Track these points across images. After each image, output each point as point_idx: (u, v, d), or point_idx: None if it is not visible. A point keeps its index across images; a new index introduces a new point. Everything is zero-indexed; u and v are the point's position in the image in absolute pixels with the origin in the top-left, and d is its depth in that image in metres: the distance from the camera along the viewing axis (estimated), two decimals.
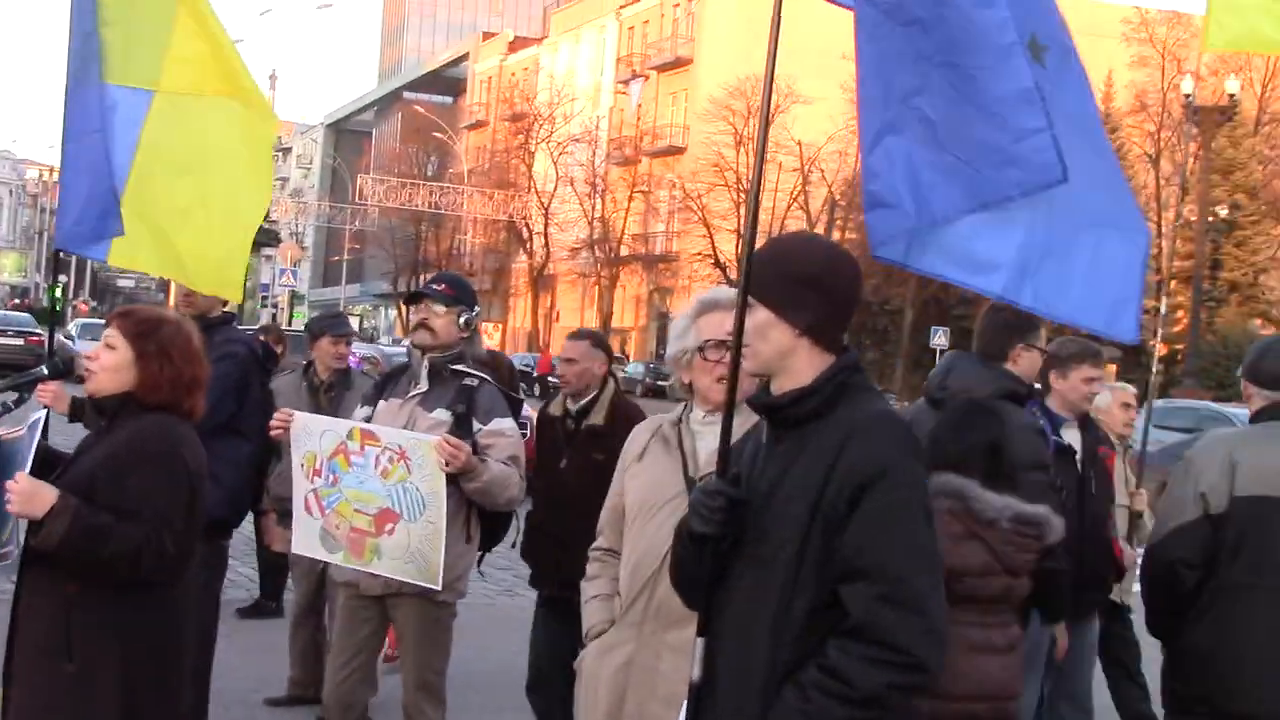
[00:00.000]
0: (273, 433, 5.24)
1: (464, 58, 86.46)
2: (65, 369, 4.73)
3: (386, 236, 72.78)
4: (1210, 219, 42.84)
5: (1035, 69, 3.29)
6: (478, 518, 5.27)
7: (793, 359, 3.02)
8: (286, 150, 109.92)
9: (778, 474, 2.96)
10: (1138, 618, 5.57)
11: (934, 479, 3.82)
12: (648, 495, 3.83)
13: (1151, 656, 5.96)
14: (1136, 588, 5.52)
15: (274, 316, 58.04)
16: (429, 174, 72.72)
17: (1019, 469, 4.67)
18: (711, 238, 54.51)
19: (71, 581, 3.70)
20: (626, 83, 66.17)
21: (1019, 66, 3.27)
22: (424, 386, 5.28)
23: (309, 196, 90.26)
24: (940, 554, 2.93)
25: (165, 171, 5.20)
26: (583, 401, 6.13)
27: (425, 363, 5.29)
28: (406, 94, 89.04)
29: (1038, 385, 5.78)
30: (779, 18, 3.27)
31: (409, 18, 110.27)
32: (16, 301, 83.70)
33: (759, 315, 3.03)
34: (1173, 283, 42.91)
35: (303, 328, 12.79)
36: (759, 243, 3.14)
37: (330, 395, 7.49)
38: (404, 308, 5.42)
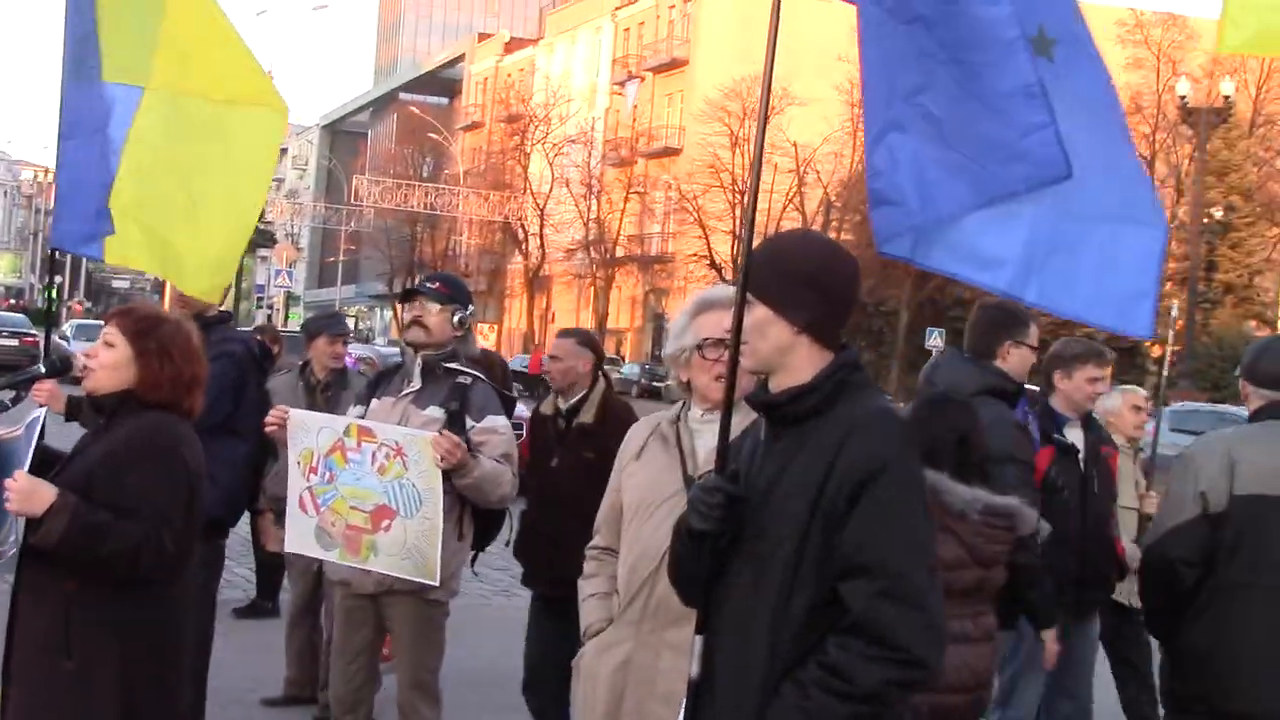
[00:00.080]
0: (268, 429, 5.24)
1: (460, 59, 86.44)
2: (62, 368, 4.72)
3: (382, 238, 72.72)
4: (1205, 221, 42.91)
5: (1040, 63, 3.28)
6: (470, 516, 5.27)
7: (791, 356, 3.02)
8: (282, 151, 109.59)
9: (776, 471, 2.96)
10: None
11: None
12: (646, 494, 3.83)
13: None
14: None
15: (269, 317, 58.08)
16: (424, 175, 72.64)
17: (992, 461, 4.70)
18: (707, 239, 54.49)
19: (71, 579, 3.70)
20: (622, 84, 66.18)
21: (1022, 62, 3.27)
22: (417, 384, 5.28)
23: (304, 197, 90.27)
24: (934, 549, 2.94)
25: (155, 168, 5.18)
26: (573, 400, 6.16)
27: (418, 360, 5.30)
28: (402, 95, 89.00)
29: (1031, 385, 5.80)
30: (777, 20, 3.27)
31: (404, 18, 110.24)
32: (11, 302, 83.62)
33: (758, 313, 3.03)
34: (1167, 284, 42.95)
35: (299, 328, 12.79)
36: (755, 243, 3.15)
37: (327, 395, 7.49)
38: (399, 307, 5.41)
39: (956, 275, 3.56)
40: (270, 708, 7.34)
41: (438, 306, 5.29)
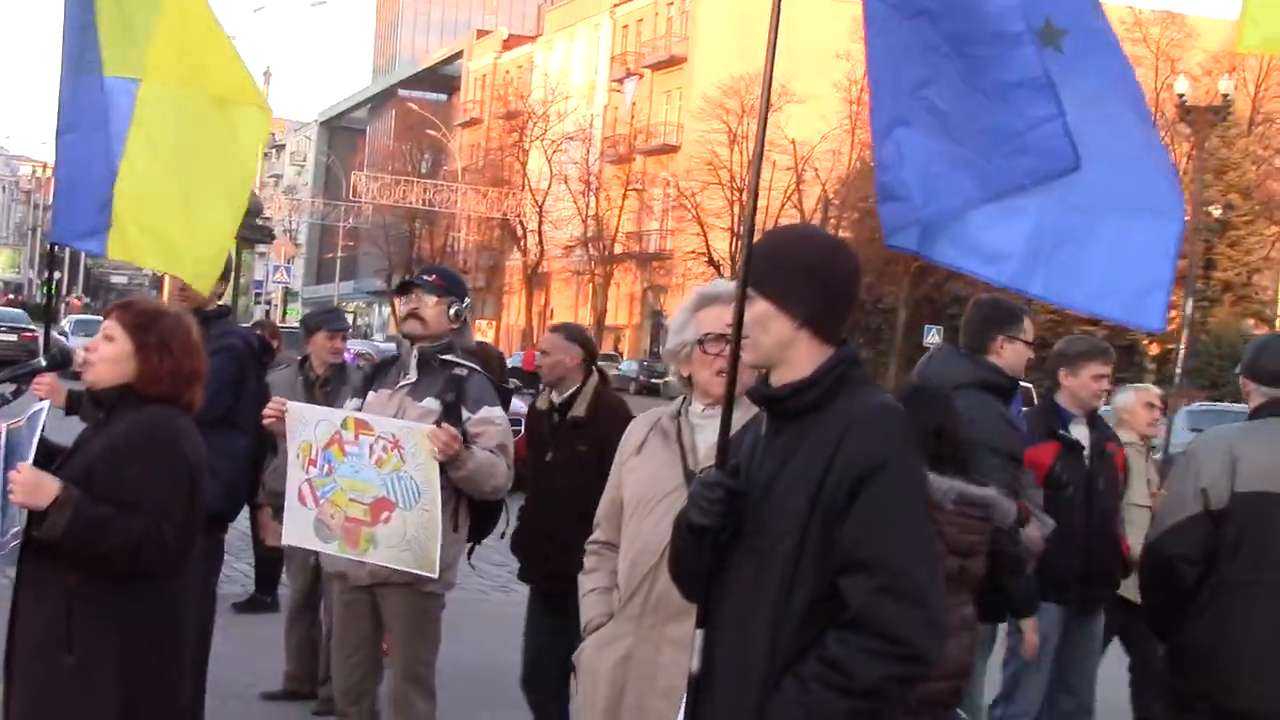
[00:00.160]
0: (266, 422, 5.24)
1: (458, 55, 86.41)
2: (62, 361, 4.72)
3: (380, 234, 72.71)
4: (1204, 219, 42.89)
5: (1047, 55, 3.27)
6: (466, 508, 5.27)
7: (792, 351, 3.02)
8: (280, 147, 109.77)
9: (777, 466, 2.96)
10: None
11: None
12: (646, 489, 3.83)
13: None
14: None
15: (267, 313, 57.96)
16: (423, 171, 72.61)
17: (972, 450, 4.73)
18: (705, 236, 54.50)
19: (72, 573, 3.69)
20: (621, 81, 66.14)
21: (1028, 55, 3.26)
22: (413, 377, 5.29)
23: (303, 193, 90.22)
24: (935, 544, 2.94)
25: (151, 161, 5.19)
26: (566, 394, 6.19)
27: (414, 353, 5.30)
28: (400, 92, 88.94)
29: (1026, 382, 5.82)
30: (778, 17, 3.27)
31: (403, 15, 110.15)
32: (10, 297, 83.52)
33: (759, 307, 3.03)
34: None
35: (298, 323, 12.78)
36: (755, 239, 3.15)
37: (326, 390, 7.49)
38: (396, 300, 5.42)
39: (962, 269, 3.55)
40: (269, 702, 7.35)
41: (434, 299, 5.30)
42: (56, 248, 6.14)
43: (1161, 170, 3.44)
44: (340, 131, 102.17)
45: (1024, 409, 6.46)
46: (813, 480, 2.88)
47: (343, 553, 5.10)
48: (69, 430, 4.05)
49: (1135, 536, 6.31)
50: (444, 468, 4.95)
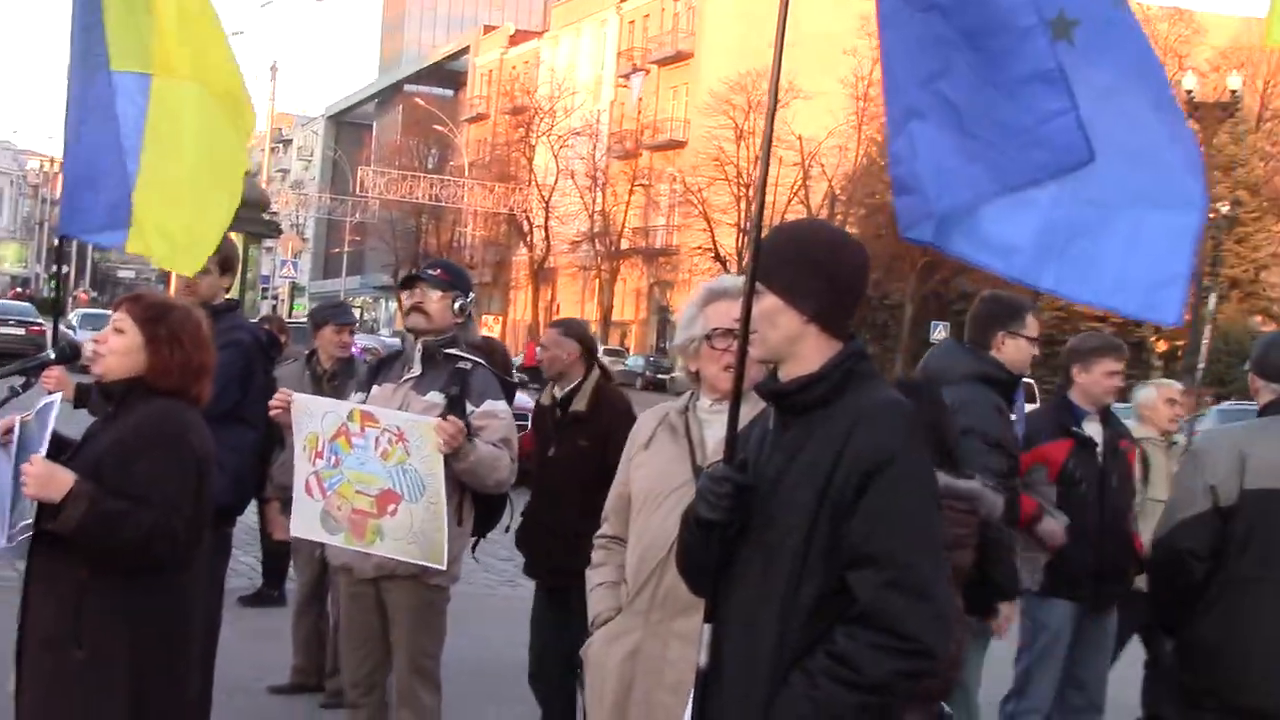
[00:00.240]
0: (272, 413, 5.25)
1: (465, 51, 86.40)
2: (71, 355, 4.73)
3: (387, 229, 72.74)
4: (1211, 215, 42.80)
5: (1060, 47, 3.26)
6: (470, 501, 5.28)
7: (800, 345, 3.02)
8: (287, 142, 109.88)
9: (785, 460, 2.97)
10: None
11: None
12: (655, 483, 3.83)
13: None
14: None
15: (274, 308, 58.01)
16: (430, 167, 72.66)
17: (958, 442, 4.75)
18: (712, 231, 54.51)
19: (83, 567, 3.69)
20: (627, 76, 66.11)
21: (1040, 48, 3.24)
22: (417, 370, 5.29)
23: (309, 188, 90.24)
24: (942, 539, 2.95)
25: (165, 156, 5.20)
26: (567, 389, 6.22)
27: (419, 347, 5.31)
28: (407, 87, 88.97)
29: (1029, 378, 5.83)
30: (785, 12, 3.27)
31: (409, 10, 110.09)
32: (17, 291, 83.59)
33: (767, 301, 3.03)
34: None
35: (305, 318, 12.80)
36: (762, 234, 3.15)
37: (333, 384, 7.49)
38: (402, 295, 5.42)
39: (976, 262, 3.53)
40: (276, 695, 7.36)
41: (438, 293, 5.31)
42: (64, 241, 6.14)
43: (1183, 162, 3.39)
44: (347, 127, 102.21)
45: (1028, 406, 6.47)
46: (821, 475, 2.88)
47: (350, 545, 5.10)
48: (77, 423, 4.05)
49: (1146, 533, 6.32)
50: (447, 460, 4.96)
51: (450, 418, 4.95)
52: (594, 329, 62.27)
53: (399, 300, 5.50)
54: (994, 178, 3.32)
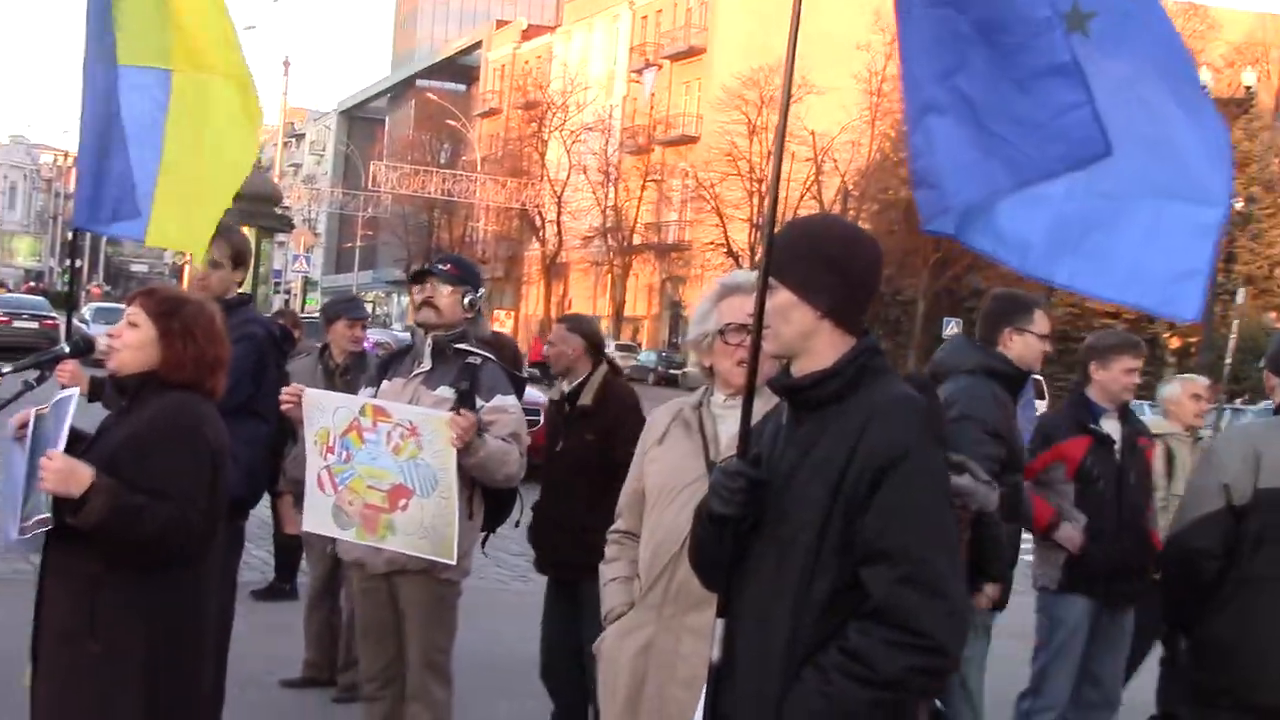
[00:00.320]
0: (283, 407, 5.26)
1: (477, 45, 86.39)
2: (85, 348, 4.73)
3: (399, 223, 72.81)
4: None
5: (1075, 40, 3.24)
6: (481, 496, 5.28)
7: (814, 341, 3.02)
8: (300, 137, 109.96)
9: (798, 456, 2.96)
10: None
11: None
12: (668, 479, 3.83)
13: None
14: None
15: (286, 302, 58.11)
16: (442, 161, 72.66)
17: (956, 422, 4.76)
18: (724, 227, 54.48)
19: (97, 561, 3.69)
20: (640, 71, 66.09)
21: (1055, 41, 3.23)
22: (427, 365, 5.30)
23: (322, 183, 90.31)
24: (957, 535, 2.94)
25: (195, 149, 5.22)
26: (574, 384, 6.26)
27: (429, 341, 5.31)
28: (419, 82, 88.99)
29: (1038, 374, 5.85)
30: (799, 7, 3.26)
31: (422, 5, 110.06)
32: (31, 285, 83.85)
33: (781, 297, 3.03)
34: None
35: (318, 313, 12.81)
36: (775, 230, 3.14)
37: (346, 379, 7.50)
38: (412, 289, 5.43)
39: (993, 256, 3.51)
40: (289, 689, 7.37)
41: (449, 288, 5.31)
42: (78, 235, 6.16)
43: (1208, 155, 3.34)
44: (359, 121, 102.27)
45: (1038, 403, 6.46)
46: (834, 470, 2.88)
47: (361, 539, 5.11)
48: (90, 417, 4.05)
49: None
50: (458, 455, 4.96)
51: (463, 411, 4.96)
52: (606, 324, 62.00)
53: (410, 295, 5.50)
54: (1011, 172, 3.31)
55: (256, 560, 10.10)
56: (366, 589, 5.37)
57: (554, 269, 65.69)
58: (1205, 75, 37.50)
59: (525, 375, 6.16)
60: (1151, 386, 10.57)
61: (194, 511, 3.71)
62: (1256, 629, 4.37)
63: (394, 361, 5.52)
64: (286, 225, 31.37)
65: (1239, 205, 44.52)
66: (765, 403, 3.21)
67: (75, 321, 5.74)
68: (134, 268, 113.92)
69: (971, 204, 3.38)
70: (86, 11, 5.32)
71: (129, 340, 3.87)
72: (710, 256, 55.74)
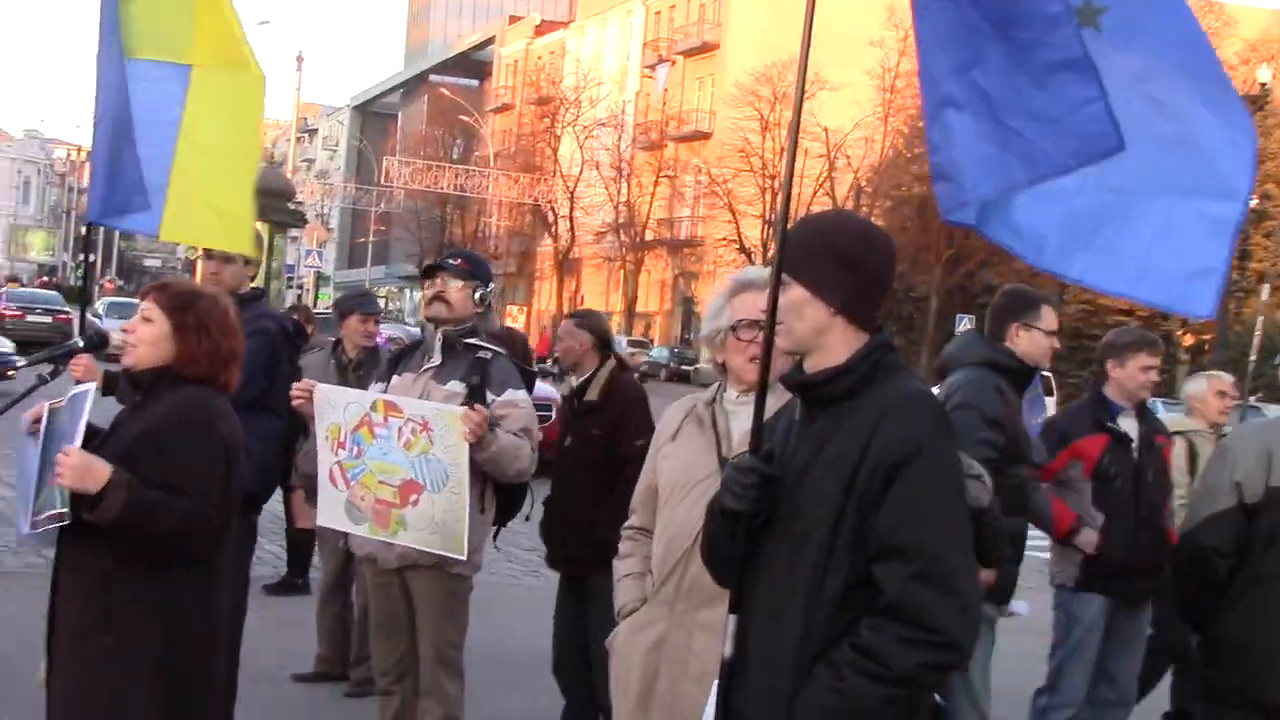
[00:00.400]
0: (294, 403, 5.27)
1: (490, 41, 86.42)
2: (99, 343, 4.74)
3: (412, 219, 72.90)
4: None
5: (1087, 34, 3.24)
6: (492, 490, 5.29)
7: (827, 337, 3.01)
8: (313, 132, 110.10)
9: (811, 452, 2.96)
10: None
11: None
12: (681, 475, 3.83)
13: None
14: None
15: (299, 297, 58.20)
16: (455, 157, 72.71)
17: (955, 410, 4.78)
18: (737, 223, 54.46)
19: (109, 556, 3.69)
20: (653, 67, 66.06)
21: (1067, 36, 3.22)
22: (438, 360, 5.31)
23: (335, 178, 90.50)
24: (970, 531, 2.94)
25: (210, 146, 5.23)
26: (582, 379, 6.28)
27: (439, 336, 5.32)
28: (432, 77, 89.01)
29: (1046, 371, 5.85)
30: (813, 4, 3.26)
31: (435, 0, 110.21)
32: (44, 279, 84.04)
33: (794, 293, 3.02)
34: None
35: (330, 307, 12.83)
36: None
37: (359, 374, 7.51)
38: (424, 284, 5.44)
39: (1011, 249, 3.50)
40: (301, 684, 7.39)
41: (460, 283, 5.32)
42: (91, 229, 6.17)
43: (1230, 150, 3.29)
44: (372, 116, 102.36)
45: (1048, 399, 6.45)
46: (847, 467, 2.88)
47: (374, 534, 5.12)
48: (102, 411, 4.06)
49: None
50: (470, 450, 4.97)
51: (477, 406, 4.97)
52: (618, 320, 61.92)
53: (423, 290, 5.51)
54: (1027, 166, 3.30)
55: (269, 555, 10.12)
56: (379, 584, 5.38)
57: (567, 264, 65.71)
58: None
59: (535, 370, 6.18)
60: (1166, 384, 10.57)
61: (210, 506, 3.72)
62: (1267, 627, 4.35)
63: (404, 357, 5.53)
64: (299, 220, 31.39)
65: (1253, 203, 44.43)
66: (778, 399, 3.20)
67: (89, 316, 5.75)
68: (147, 262, 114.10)
69: (988, 198, 3.38)
70: (100, 6, 5.33)
71: (143, 335, 3.87)
72: (723, 252, 55.71)
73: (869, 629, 2.81)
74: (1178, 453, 6.90)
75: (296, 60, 57.29)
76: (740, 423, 3.73)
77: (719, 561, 3.13)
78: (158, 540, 3.66)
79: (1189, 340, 45.68)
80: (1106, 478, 6.03)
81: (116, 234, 78.15)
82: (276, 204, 24.61)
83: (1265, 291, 32.35)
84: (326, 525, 5.42)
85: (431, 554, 5.06)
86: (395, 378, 5.39)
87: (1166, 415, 7.41)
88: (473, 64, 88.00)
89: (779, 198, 3.00)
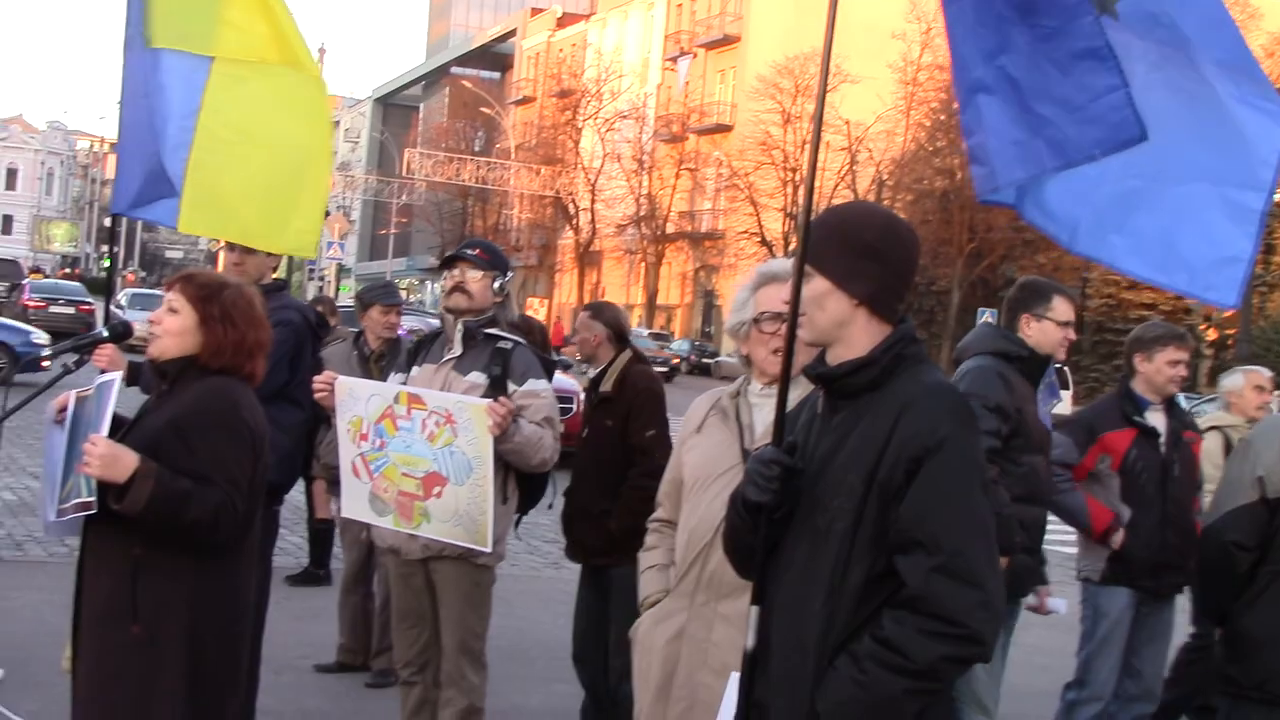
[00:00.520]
0: (316, 395, 5.28)
1: (512, 33, 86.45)
2: (123, 333, 4.76)
3: (433, 211, 72.98)
4: None
5: (1106, 23, 3.23)
6: (515, 480, 5.30)
7: (850, 329, 3.01)
8: (334, 124, 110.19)
9: (834, 444, 2.96)
10: None
11: None
12: (703, 467, 3.84)
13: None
14: None
15: (320, 289, 58.36)
16: (476, 149, 72.80)
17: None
18: (758, 216, 54.42)
19: (137, 544, 3.71)
20: (674, 60, 66.01)
21: (1087, 25, 3.22)
22: (458, 350, 5.30)
23: (356, 170, 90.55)
24: (993, 524, 2.93)
25: (230, 138, 5.23)
26: (598, 371, 6.31)
27: (459, 327, 5.32)
28: (454, 69, 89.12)
29: (1061, 363, 5.86)
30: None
31: None
32: (67, 271, 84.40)
33: (817, 284, 3.02)
34: None
35: (351, 300, 12.84)
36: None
37: (381, 365, 7.52)
38: (446, 274, 5.43)
39: (1044, 230, 3.50)
40: (323, 674, 7.41)
41: (479, 273, 5.32)
42: (115, 221, 6.19)
43: (1259, 138, 3.26)
44: (394, 108, 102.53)
45: (1064, 393, 6.45)
46: (870, 459, 2.87)
47: (398, 526, 5.13)
48: (127, 401, 4.07)
49: None
50: (495, 441, 4.97)
51: (501, 399, 4.97)
52: (639, 313, 61.71)
53: (442, 281, 5.51)
54: (1055, 153, 3.30)
55: (290, 546, 10.16)
56: (402, 575, 5.39)
57: (587, 257, 65.73)
58: None
59: (555, 358, 6.19)
60: (1189, 379, 10.53)
61: (236, 496, 3.73)
62: None
63: (423, 347, 5.52)
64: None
65: (1278, 196, 44.14)
66: (801, 391, 3.20)
67: (112, 307, 5.77)
68: (169, 254, 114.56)
69: (1020, 183, 3.38)
70: None
71: (169, 326, 3.88)
72: (744, 245, 55.69)
73: (891, 621, 2.81)
74: (1214, 448, 6.88)
75: (319, 53, 57.44)
76: (764, 415, 3.74)
77: (741, 553, 3.13)
78: (184, 529, 3.68)
79: (1212, 335, 45.48)
80: (1133, 472, 6.02)
81: (139, 226, 78.33)
82: None
83: None
84: (350, 517, 5.43)
85: (457, 546, 5.07)
86: (415, 369, 5.39)
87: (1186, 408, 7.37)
88: (494, 56, 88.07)
89: (802, 189, 2.98)
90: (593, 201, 64.17)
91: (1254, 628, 4.44)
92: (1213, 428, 7.13)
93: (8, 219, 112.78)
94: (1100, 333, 45.58)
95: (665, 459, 5.81)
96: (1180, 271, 3.33)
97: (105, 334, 4.66)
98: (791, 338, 3.09)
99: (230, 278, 4.25)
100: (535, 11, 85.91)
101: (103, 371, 4.46)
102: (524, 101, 79.27)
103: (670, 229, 61.80)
